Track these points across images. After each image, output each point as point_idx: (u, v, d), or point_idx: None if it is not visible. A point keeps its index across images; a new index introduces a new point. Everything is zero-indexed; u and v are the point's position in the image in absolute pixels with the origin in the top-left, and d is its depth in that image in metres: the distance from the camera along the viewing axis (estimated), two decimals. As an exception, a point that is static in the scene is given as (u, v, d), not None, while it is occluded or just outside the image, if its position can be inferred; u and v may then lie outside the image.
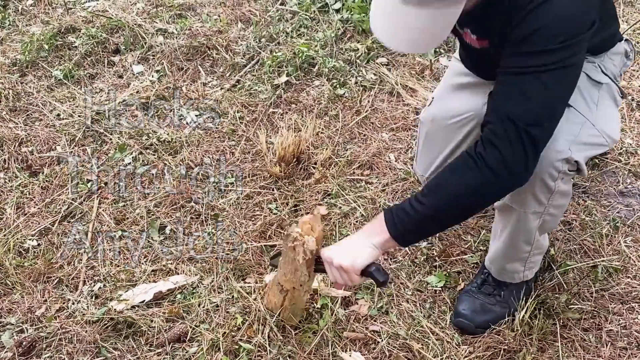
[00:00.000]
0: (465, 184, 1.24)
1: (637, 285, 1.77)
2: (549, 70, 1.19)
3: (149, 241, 1.95)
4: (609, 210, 2.03)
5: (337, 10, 3.00)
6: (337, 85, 2.62)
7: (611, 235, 1.93)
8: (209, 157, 2.27)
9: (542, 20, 1.18)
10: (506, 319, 1.67)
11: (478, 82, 1.74)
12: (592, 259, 1.86)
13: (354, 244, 1.37)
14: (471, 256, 1.88)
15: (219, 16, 3.06)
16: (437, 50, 2.79)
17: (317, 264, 1.49)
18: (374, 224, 1.37)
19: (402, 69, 2.72)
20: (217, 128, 2.42)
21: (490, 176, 1.22)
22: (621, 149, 2.29)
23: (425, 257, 1.88)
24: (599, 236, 1.93)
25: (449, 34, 1.21)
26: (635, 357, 1.60)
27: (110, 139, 2.35)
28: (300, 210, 2.04)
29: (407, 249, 1.91)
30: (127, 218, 2.03)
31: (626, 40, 1.63)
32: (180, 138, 2.33)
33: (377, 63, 2.76)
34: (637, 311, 1.71)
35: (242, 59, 2.77)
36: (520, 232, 1.54)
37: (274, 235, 1.95)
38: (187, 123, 2.44)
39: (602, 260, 1.84)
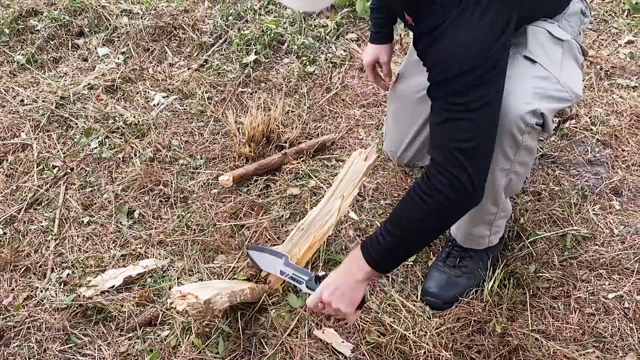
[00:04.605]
0: (423, 213, 1.30)
1: (604, 253, 1.79)
2: (475, 109, 1.22)
3: (117, 226, 1.92)
4: (577, 180, 2.05)
5: (306, -14, 2.95)
6: (307, 63, 2.59)
7: (580, 204, 1.95)
8: (177, 139, 2.23)
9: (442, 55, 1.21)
10: (474, 290, 1.68)
11: None
12: (561, 228, 1.87)
13: (345, 288, 1.38)
14: (442, 229, 1.88)
15: (185, -5, 3.00)
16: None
17: None
18: (353, 262, 1.39)
19: (372, 44, 2.69)
20: (185, 109, 2.38)
21: (444, 201, 1.26)
22: (590, 118, 2.30)
23: (396, 232, 1.87)
24: (568, 205, 1.94)
25: None
26: (603, 322, 1.62)
27: (76, 124, 2.30)
28: (271, 191, 2.02)
29: (378, 224, 1.90)
30: (95, 203, 2.00)
31: None
32: (148, 120, 2.30)
33: (346, 39, 2.73)
34: (604, 277, 1.73)
35: (209, 38, 2.72)
36: (488, 191, 1.53)
37: (244, 216, 1.93)
38: (154, 105, 2.40)
39: (571, 229, 1.86)
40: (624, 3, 3.06)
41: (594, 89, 2.46)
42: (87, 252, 1.85)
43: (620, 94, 2.45)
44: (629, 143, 2.20)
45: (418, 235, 1.35)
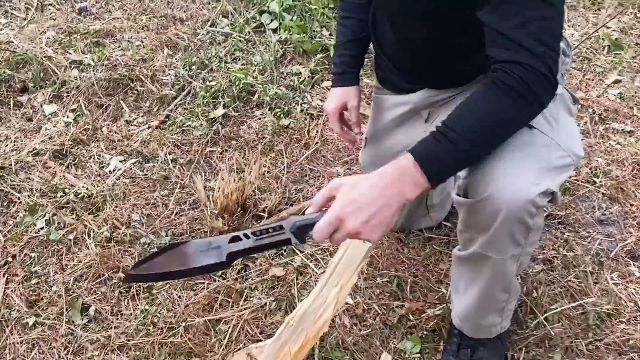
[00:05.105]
0: (508, 113, 1.11)
1: (633, 332, 1.59)
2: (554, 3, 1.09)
3: (69, 327, 1.62)
4: (589, 243, 1.86)
5: (274, 30, 2.74)
6: (281, 115, 2.36)
7: (597, 273, 1.76)
8: (137, 212, 1.95)
9: None
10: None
11: (411, 109, 1.56)
12: (580, 302, 1.67)
13: (389, 212, 1.07)
14: (445, 308, 1.66)
15: (142, 42, 2.74)
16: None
17: None
18: (404, 179, 1.09)
19: (351, 93, 2.49)
20: (145, 175, 2.10)
21: (534, 100, 1.10)
22: (591, 169, 2.13)
23: (397, 317, 1.64)
24: (584, 275, 1.74)
25: None
26: (644, 420, 1.41)
27: (19, 199, 1.99)
28: (250, 272, 1.76)
29: (377, 307, 1.66)
30: (42, 299, 1.69)
31: None
32: (103, 191, 2.01)
33: (322, 87, 2.51)
34: (637, 363, 1.53)
35: (170, 90, 2.47)
36: (498, 281, 1.35)
37: (221, 306, 1.66)
38: (109, 171, 2.11)
39: (593, 305, 1.65)
40: (603, 39, 2.95)
41: (590, 135, 2.31)
42: (32, 362, 1.54)
43: (617, 140, 2.30)
44: (636, 197, 2.03)
45: (495, 140, 1.14)
